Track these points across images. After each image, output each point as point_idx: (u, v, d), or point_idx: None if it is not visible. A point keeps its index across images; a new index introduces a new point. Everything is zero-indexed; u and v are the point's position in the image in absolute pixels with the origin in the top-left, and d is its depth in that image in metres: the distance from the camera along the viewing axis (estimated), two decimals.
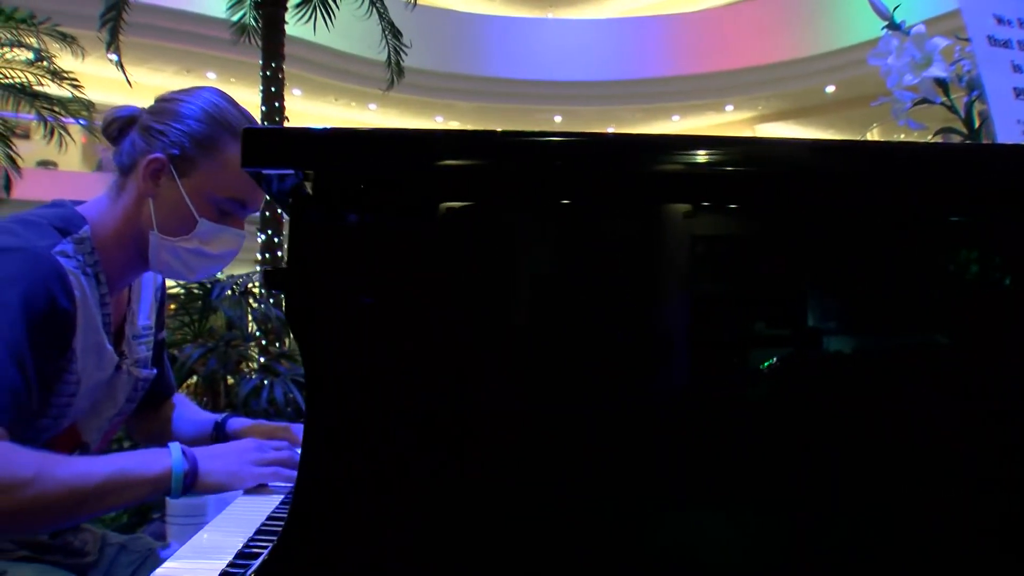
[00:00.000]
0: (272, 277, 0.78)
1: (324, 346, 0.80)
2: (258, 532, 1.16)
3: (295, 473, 1.25)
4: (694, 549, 0.83)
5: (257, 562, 0.82)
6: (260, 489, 1.35)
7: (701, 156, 0.83)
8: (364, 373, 0.80)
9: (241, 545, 1.10)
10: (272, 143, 0.79)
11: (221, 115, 1.36)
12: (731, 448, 0.83)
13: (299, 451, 1.34)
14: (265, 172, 0.77)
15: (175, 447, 1.22)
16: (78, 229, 1.31)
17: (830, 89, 18.20)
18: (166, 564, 1.07)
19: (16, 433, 1.13)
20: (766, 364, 0.84)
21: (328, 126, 0.76)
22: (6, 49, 8.50)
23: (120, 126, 1.41)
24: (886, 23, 1.60)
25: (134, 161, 1.36)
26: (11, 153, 8.87)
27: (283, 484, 1.35)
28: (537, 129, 0.84)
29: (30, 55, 8.63)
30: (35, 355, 1.15)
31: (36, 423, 1.25)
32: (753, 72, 18.01)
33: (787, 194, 0.86)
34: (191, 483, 1.22)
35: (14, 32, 8.42)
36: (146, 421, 1.72)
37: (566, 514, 0.81)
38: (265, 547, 1.06)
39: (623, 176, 0.84)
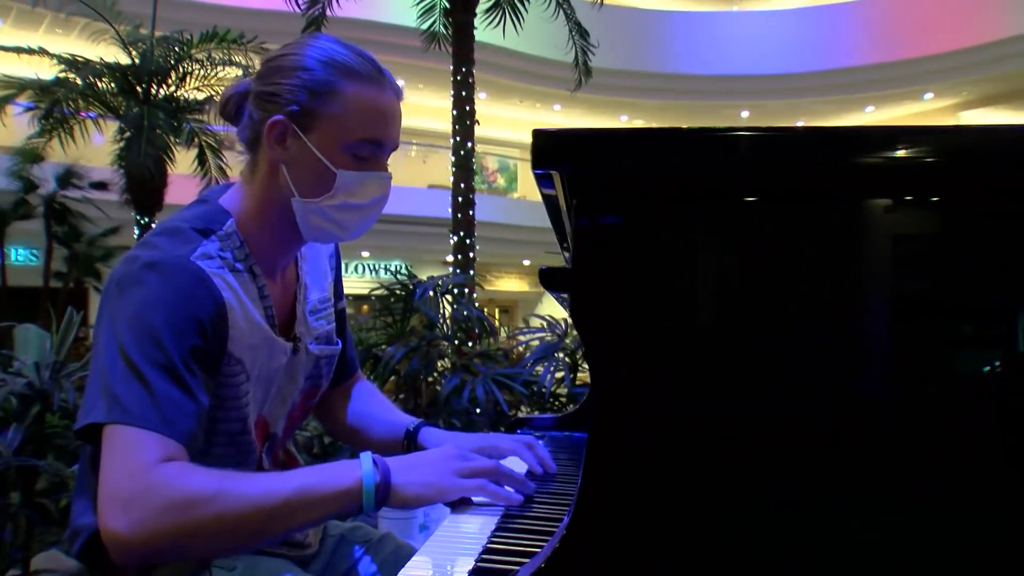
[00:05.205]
0: (549, 278, 0.77)
1: (612, 347, 0.79)
2: (499, 528, 1.15)
3: (502, 490, 1.21)
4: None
5: (535, 561, 0.82)
6: (464, 505, 1.25)
7: (901, 149, 0.79)
8: (651, 373, 0.79)
9: (486, 540, 1.09)
10: (561, 144, 0.78)
11: (329, 57, 1.28)
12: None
13: (505, 462, 1.32)
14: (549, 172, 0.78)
15: (366, 457, 1.16)
16: (221, 226, 1.28)
17: None
18: (415, 558, 1.08)
19: (195, 447, 1.13)
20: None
21: (612, 127, 0.76)
22: (219, 68, 9.15)
23: (236, 103, 1.36)
24: None
25: (256, 133, 1.30)
26: (221, 164, 9.55)
27: (489, 501, 1.23)
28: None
29: (239, 72, 9.23)
30: (189, 368, 1.14)
31: (218, 428, 1.25)
32: (955, 56, 16.98)
33: (998, 186, 0.80)
34: (384, 496, 1.14)
35: (226, 52, 9.05)
36: (335, 408, 1.67)
37: (856, 520, 0.78)
38: (512, 543, 1.06)
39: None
